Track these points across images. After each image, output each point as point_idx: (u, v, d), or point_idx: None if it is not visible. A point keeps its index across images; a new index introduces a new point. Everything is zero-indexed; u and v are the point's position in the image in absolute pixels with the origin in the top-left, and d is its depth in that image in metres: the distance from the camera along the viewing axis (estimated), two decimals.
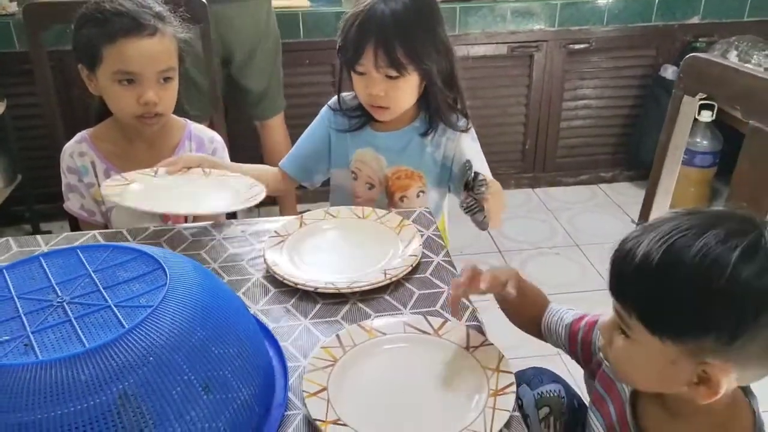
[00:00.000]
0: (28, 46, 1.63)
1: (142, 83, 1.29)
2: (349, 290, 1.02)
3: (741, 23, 2.72)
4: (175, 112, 1.41)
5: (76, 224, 1.47)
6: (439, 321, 0.94)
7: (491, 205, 1.04)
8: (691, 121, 1.12)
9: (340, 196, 1.46)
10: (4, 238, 1.22)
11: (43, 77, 1.65)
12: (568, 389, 0.97)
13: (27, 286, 0.77)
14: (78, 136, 1.42)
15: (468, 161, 1.10)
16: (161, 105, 1.32)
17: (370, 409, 0.81)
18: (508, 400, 0.79)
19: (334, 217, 1.24)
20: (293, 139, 1.49)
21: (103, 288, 0.75)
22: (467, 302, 1.01)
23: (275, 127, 2.43)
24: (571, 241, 2.56)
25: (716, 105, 2.52)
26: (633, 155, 2.92)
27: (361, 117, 1.39)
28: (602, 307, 0.95)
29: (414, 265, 1.08)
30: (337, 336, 0.91)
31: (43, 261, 0.81)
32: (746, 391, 0.75)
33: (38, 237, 1.23)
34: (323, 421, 0.77)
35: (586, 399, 1.02)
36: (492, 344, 0.90)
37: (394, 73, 1.25)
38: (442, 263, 1.12)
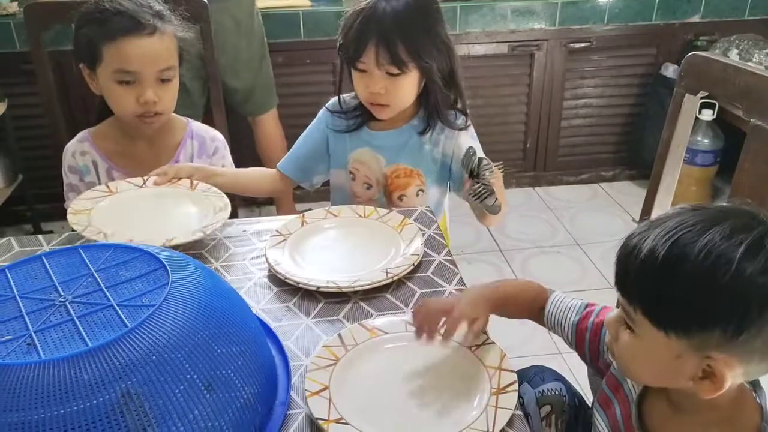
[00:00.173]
0: (28, 46, 1.64)
1: (142, 82, 1.29)
2: (350, 289, 1.02)
3: (742, 22, 2.72)
4: None
5: None
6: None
7: (497, 187, 1.05)
8: (692, 120, 1.12)
9: (340, 196, 1.47)
10: (6, 238, 1.22)
11: (44, 77, 1.65)
12: (569, 388, 0.97)
13: (29, 286, 0.77)
14: (80, 135, 1.42)
15: (471, 147, 1.10)
16: (161, 104, 1.32)
17: (372, 408, 0.81)
18: (511, 399, 0.79)
19: (336, 216, 1.24)
20: (293, 138, 1.49)
21: (106, 287, 0.75)
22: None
23: (267, 122, 2.43)
24: (572, 240, 2.56)
25: (717, 104, 2.52)
26: (634, 154, 2.91)
27: (359, 117, 1.40)
28: (603, 303, 0.96)
29: (415, 264, 1.08)
30: (339, 335, 0.91)
31: (45, 260, 0.81)
32: (754, 385, 0.75)
33: (40, 237, 1.23)
34: (325, 420, 0.77)
35: (587, 397, 1.02)
36: (493, 343, 0.90)
37: (395, 71, 1.25)
38: (444, 262, 1.12)
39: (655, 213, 1.18)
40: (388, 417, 0.80)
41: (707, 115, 2.56)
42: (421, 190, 1.40)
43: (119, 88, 1.29)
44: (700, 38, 2.72)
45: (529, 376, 0.97)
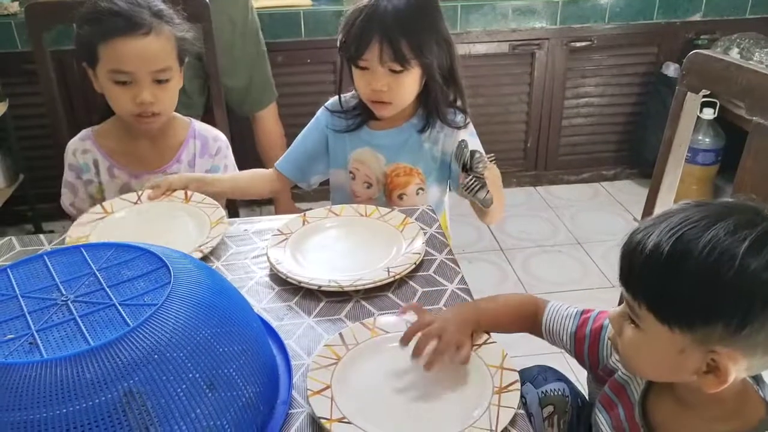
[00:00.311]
0: (30, 46, 1.64)
1: (138, 83, 1.29)
2: (352, 288, 1.02)
3: (743, 20, 2.71)
4: None
5: None
6: None
7: (490, 179, 1.05)
8: (694, 118, 1.11)
9: (340, 195, 1.47)
10: (7, 238, 1.22)
11: (45, 77, 1.65)
12: (572, 388, 0.97)
13: (31, 285, 0.77)
14: (82, 133, 1.43)
15: (463, 141, 1.10)
16: (158, 105, 1.31)
17: (374, 407, 0.81)
18: (513, 397, 0.79)
19: (337, 216, 1.24)
20: (293, 138, 1.49)
21: (108, 286, 0.75)
22: (469, 299, 1.01)
23: (266, 119, 2.43)
24: (574, 239, 2.56)
25: (718, 102, 2.52)
26: (635, 153, 2.91)
27: (358, 116, 1.40)
28: (604, 305, 0.96)
29: (417, 263, 1.08)
30: (340, 334, 0.91)
31: (47, 259, 0.81)
32: (757, 379, 0.76)
33: (41, 236, 1.23)
34: (328, 419, 0.77)
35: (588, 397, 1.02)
36: (495, 342, 0.90)
37: (397, 68, 1.25)
38: (446, 261, 1.12)
39: (658, 212, 1.17)
40: (391, 416, 0.80)
41: (708, 113, 2.56)
42: (421, 189, 1.40)
43: (116, 88, 1.30)
44: (701, 37, 2.72)
45: (531, 376, 0.96)
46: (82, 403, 0.62)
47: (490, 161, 1.08)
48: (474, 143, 1.36)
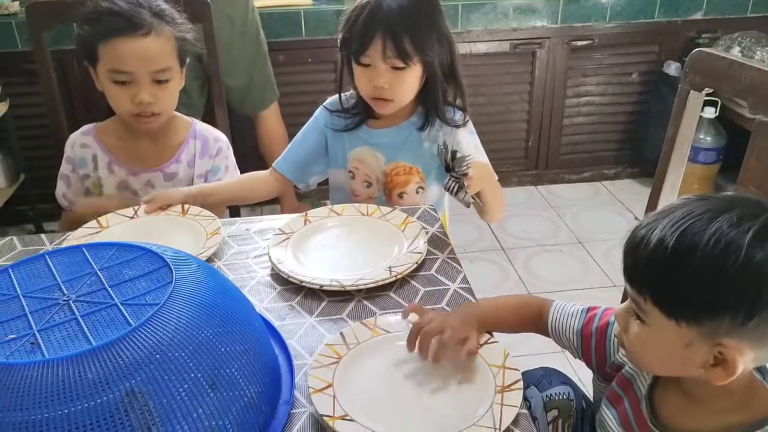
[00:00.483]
0: (30, 45, 1.64)
1: (137, 83, 1.29)
2: (354, 288, 1.02)
3: (744, 19, 2.71)
4: None
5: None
6: None
7: (474, 174, 1.05)
8: (697, 117, 1.11)
9: (339, 195, 1.46)
10: (8, 237, 1.22)
11: (46, 76, 1.65)
12: (576, 391, 0.96)
13: (33, 285, 0.77)
14: (84, 128, 1.44)
15: (444, 142, 1.10)
16: (157, 105, 1.31)
17: (376, 406, 0.80)
18: (516, 397, 0.79)
19: (339, 215, 1.24)
20: (293, 137, 1.48)
21: (109, 286, 0.75)
22: (473, 301, 1.01)
23: (268, 119, 2.43)
24: (575, 238, 2.56)
25: (720, 101, 2.51)
26: (636, 152, 2.91)
27: (357, 115, 1.39)
28: (605, 304, 0.96)
29: (419, 263, 1.08)
30: (341, 333, 0.91)
31: (48, 259, 0.81)
32: (762, 372, 0.76)
33: (42, 236, 1.23)
34: (331, 417, 0.77)
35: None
36: (497, 342, 0.90)
37: (400, 64, 1.25)
38: (447, 260, 1.11)
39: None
40: (393, 413, 0.80)
41: (710, 112, 2.56)
42: (421, 188, 1.40)
43: (115, 87, 1.30)
44: (703, 36, 2.71)
45: (536, 378, 0.96)
46: (84, 403, 0.62)
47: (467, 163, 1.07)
48: (473, 141, 1.36)
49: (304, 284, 1.04)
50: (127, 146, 1.41)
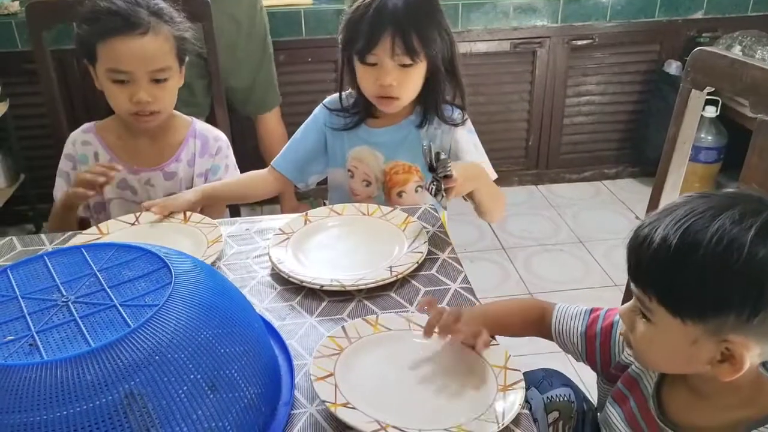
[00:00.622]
0: (30, 45, 1.63)
1: (135, 82, 1.29)
2: (354, 288, 1.02)
3: (745, 18, 2.71)
4: None
5: (81, 224, 1.47)
6: None
7: (461, 175, 1.04)
8: (698, 115, 1.11)
9: (339, 194, 1.46)
10: (8, 238, 1.21)
11: (46, 76, 1.65)
12: (577, 393, 0.96)
13: (31, 286, 0.76)
14: (85, 125, 1.44)
15: (428, 144, 1.10)
16: (156, 104, 1.31)
17: (377, 397, 0.80)
18: (517, 396, 0.79)
19: (339, 215, 1.24)
20: (291, 136, 1.48)
21: (108, 287, 0.75)
22: (474, 300, 1.01)
23: (269, 121, 2.43)
24: (575, 237, 2.55)
25: (720, 100, 2.51)
26: (637, 151, 2.91)
27: (356, 114, 1.39)
28: (606, 303, 0.95)
29: (420, 262, 1.07)
30: (343, 327, 0.91)
31: (47, 260, 0.80)
32: (766, 366, 0.75)
33: (42, 236, 1.22)
34: (333, 404, 0.76)
35: (595, 399, 1.01)
36: (498, 344, 0.89)
37: (408, 61, 1.25)
38: (448, 260, 1.11)
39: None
40: (395, 404, 0.80)
41: (711, 111, 2.55)
42: (420, 187, 1.40)
43: (113, 86, 1.30)
44: (703, 35, 2.71)
45: (537, 380, 0.95)
46: (82, 404, 0.61)
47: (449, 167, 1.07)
48: (472, 140, 1.36)
49: (304, 284, 1.03)
50: (126, 145, 1.41)
